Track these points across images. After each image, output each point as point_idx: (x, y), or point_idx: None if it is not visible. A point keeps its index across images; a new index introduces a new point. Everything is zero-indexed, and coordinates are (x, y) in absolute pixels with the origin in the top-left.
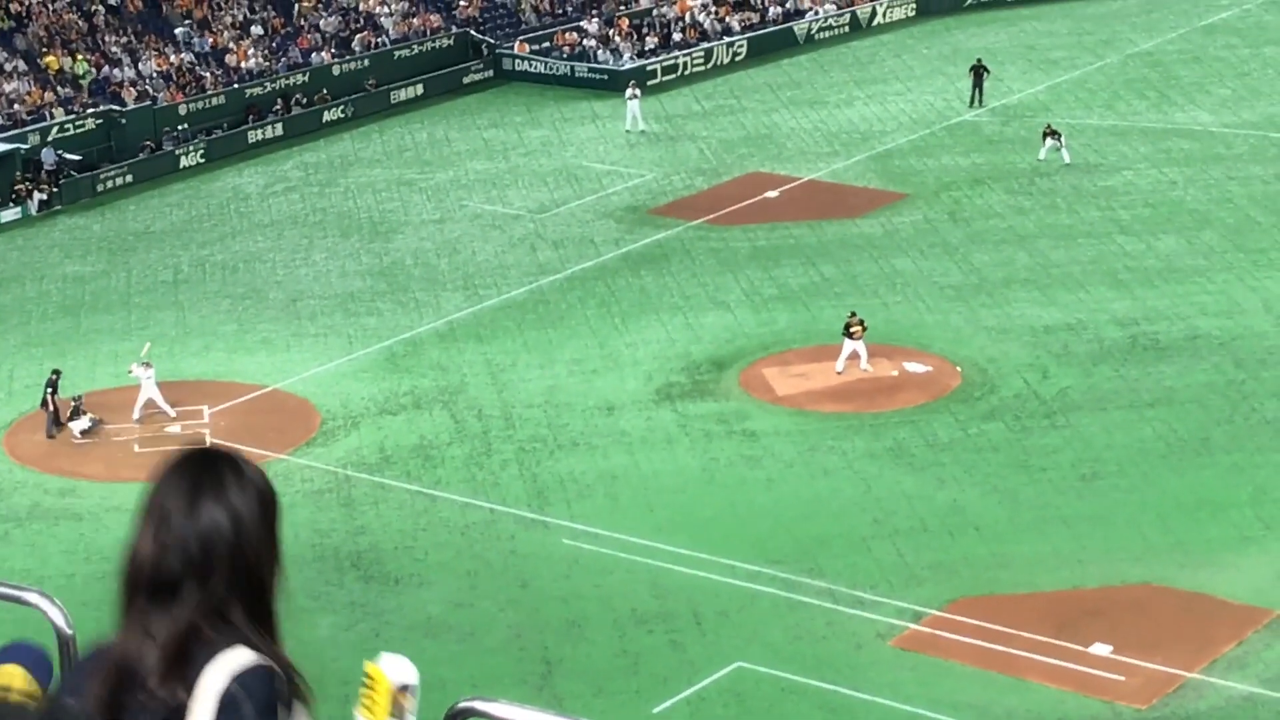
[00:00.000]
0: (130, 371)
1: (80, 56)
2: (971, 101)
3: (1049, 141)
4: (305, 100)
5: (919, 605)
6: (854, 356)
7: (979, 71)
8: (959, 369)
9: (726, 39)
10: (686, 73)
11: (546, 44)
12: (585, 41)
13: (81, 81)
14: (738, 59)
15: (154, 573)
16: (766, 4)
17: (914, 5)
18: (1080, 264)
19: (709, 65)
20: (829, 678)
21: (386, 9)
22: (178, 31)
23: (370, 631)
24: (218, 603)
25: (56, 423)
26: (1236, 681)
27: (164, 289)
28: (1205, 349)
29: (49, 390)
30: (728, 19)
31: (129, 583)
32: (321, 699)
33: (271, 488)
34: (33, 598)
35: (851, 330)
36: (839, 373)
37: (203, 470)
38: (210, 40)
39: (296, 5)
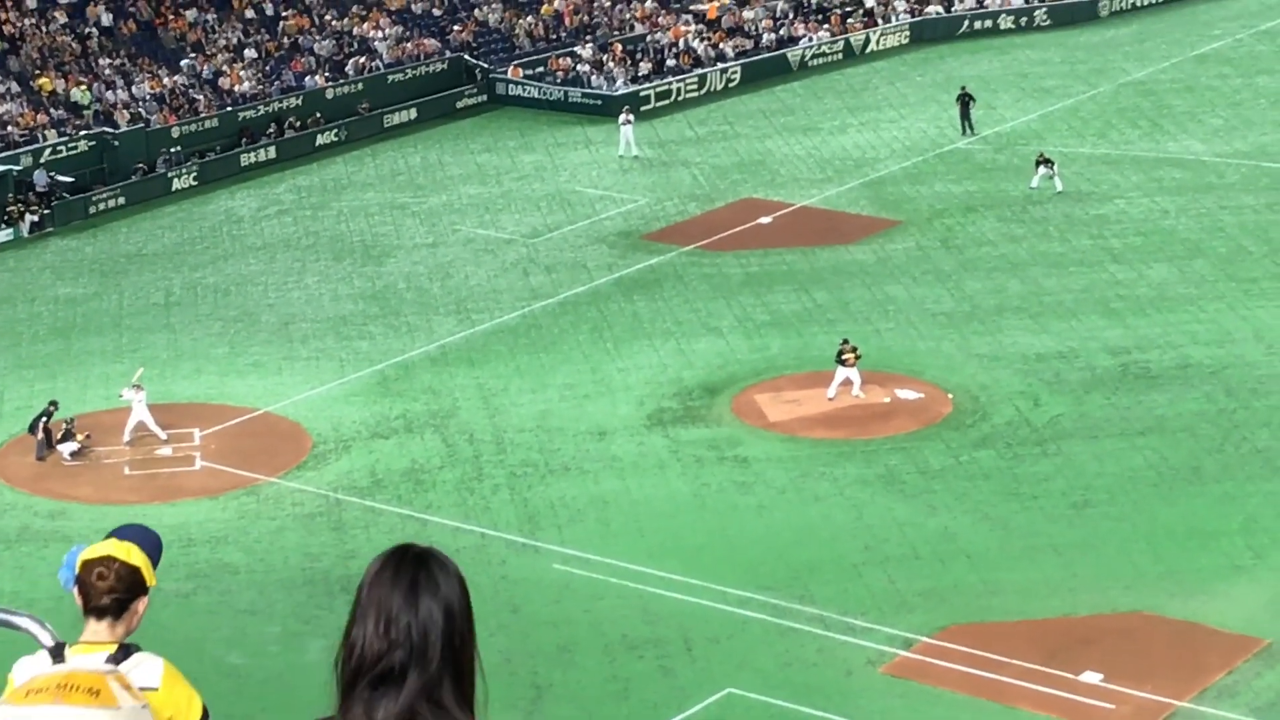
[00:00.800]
0: (121, 395)
1: (81, 84)
2: (963, 130)
3: (1041, 169)
4: (299, 123)
5: (909, 632)
6: (846, 383)
7: (965, 100)
8: (951, 396)
9: (720, 65)
10: (680, 98)
11: (540, 69)
12: (579, 67)
13: (86, 111)
14: (731, 85)
15: (380, 664)
16: (760, 31)
17: (908, 33)
18: (1072, 292)
19: (702, 91)
20: (819, 704)
21: (381, 33)
22: (183, 63)
23: None
24: (432, 686)
25: (48, 445)
26: (1227, 710)
27: (156, 311)
28: (1197, 378)
29: (44, 419)
30: (721, 45)
31: (353, 672)
32: None
33: (465, 578)
34: (23, 621)
35: (844, 357)
36: (830, 399)
37: (418, 568)
38: (200, 62)
39: (281, 24)
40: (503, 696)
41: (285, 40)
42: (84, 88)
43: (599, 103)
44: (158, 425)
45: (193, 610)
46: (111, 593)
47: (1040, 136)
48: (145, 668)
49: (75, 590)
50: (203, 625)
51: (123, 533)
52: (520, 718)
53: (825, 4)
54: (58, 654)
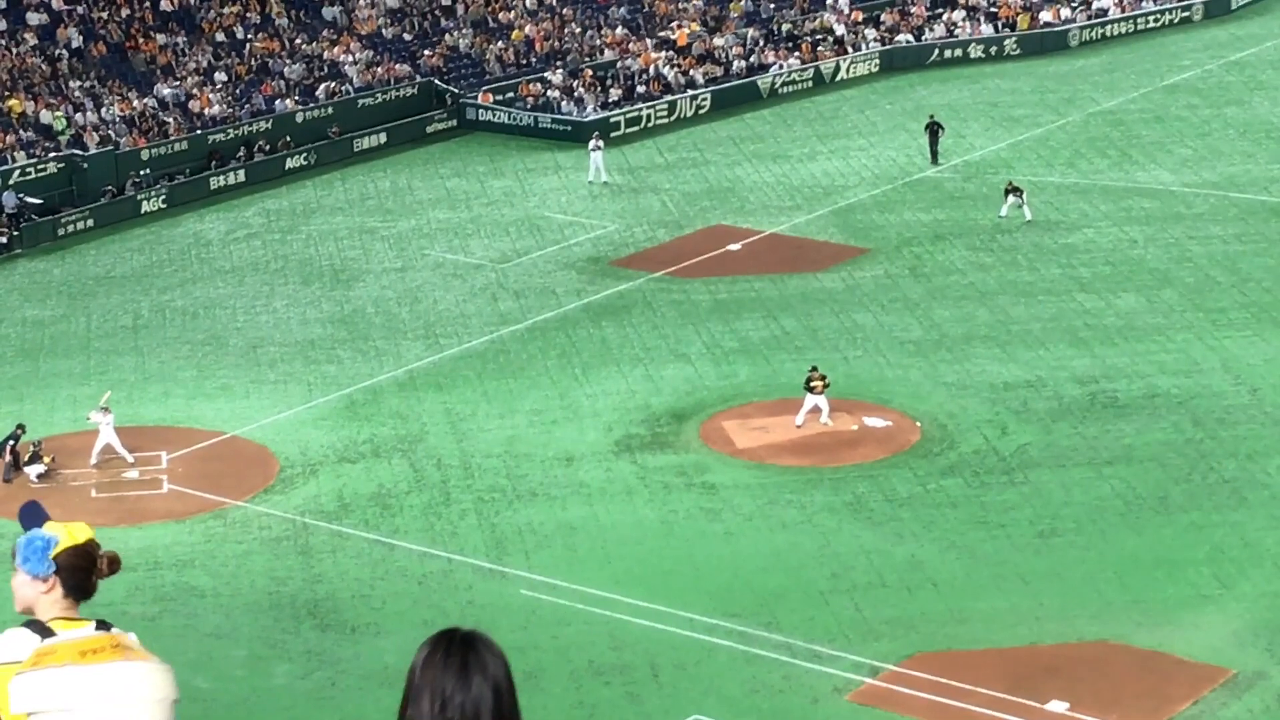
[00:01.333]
0: (89, 418)
1: (52, 105)
2: (933, 159)
3: (1010, 198)
4: (268, 147)
5: (876, 660)
6: (814, 410)
7: (934, 129)
8: (919, 424)
9: (690, 92)
10: (650, 125)
11: (510, 94)
12: (549, 92)
13: (60, 137)
14: (701, 112)
15: None
16: (731, 58)
17: (878, 61)
18: (1040, 321)
19: (672, 118)
20: None
21: (351, 57)
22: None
23: (326, 680)
24: None
25: (16, 466)
26: None
27: (124, 334)
28: (1164, 407)
29: (11, 442)
30: (691, 72)
31: None
32: None
33: (508, 659)
34: None
35: (812, 385)
36: (798, 426)
37: (466, 649)
38: (169, 86)
39: (248, 46)
40: None
41: (255, 64)
42: (58, 112)
43: (569, 128)
44: (125, 448)
45: (159, 633)
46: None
47: (1010, 165)
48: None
49: (54, 576)
50: (168, 649)
51: (33, 517)
52: None
53: (795, 32)
54: (42, 629)
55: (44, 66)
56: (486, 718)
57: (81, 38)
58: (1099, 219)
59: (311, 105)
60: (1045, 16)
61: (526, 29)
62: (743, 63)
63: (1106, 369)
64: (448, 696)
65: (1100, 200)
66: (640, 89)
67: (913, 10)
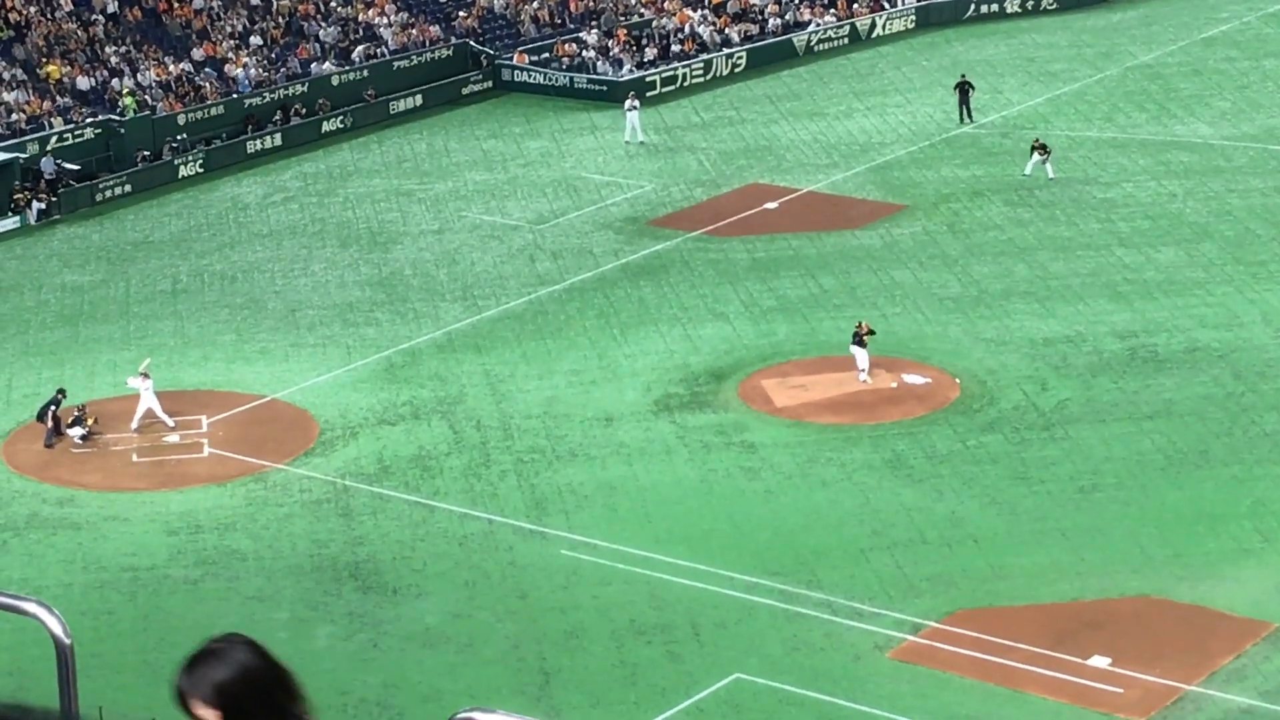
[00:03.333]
0: (129, 384)
1: (80, 68)
2: (961, 119)
3: (1035, 156)
4: (304, 110)
5: (917, 617)
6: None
7: (964, 88)
8: (958, 381)
9: (726, 50)
10: (685, 84)
11: (546, 55)
12: (584, 53)
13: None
14: (737, 70)
15: None
16: (766, 16)
17: (914, 17)
18: (1079, 276)
19: (708, 77)
20: (827, 689)
21: (386, 20)
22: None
23: (368, 642)
24: None
25: (57, 432)
26: (1235, 694)
27: (163, 299)
28: (1204, 361)
29: (52, 407)
30: (727, 30)
31: None
32: (321, 708)
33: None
34: (31, 607)
35: (863, 337)
36: (865, 382)
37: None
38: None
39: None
40: (511, 682)
41: (291, 27)
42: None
43: (605, 89)
44: (165, 413)
45: (201, 597)
46: None
47: (1047, 120)
48: None
49: None
50: (210, 612)
51: None
52: (528, 703)
53: None
54: None
55: (80, 32)
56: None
57: (117, 3)
58: (1137, 173)
59: (347, 68)
60: None
61: None
62: (778, 20)
63: (1146, 323)
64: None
65: (1139, 154)
66: (676, 48)
67: None
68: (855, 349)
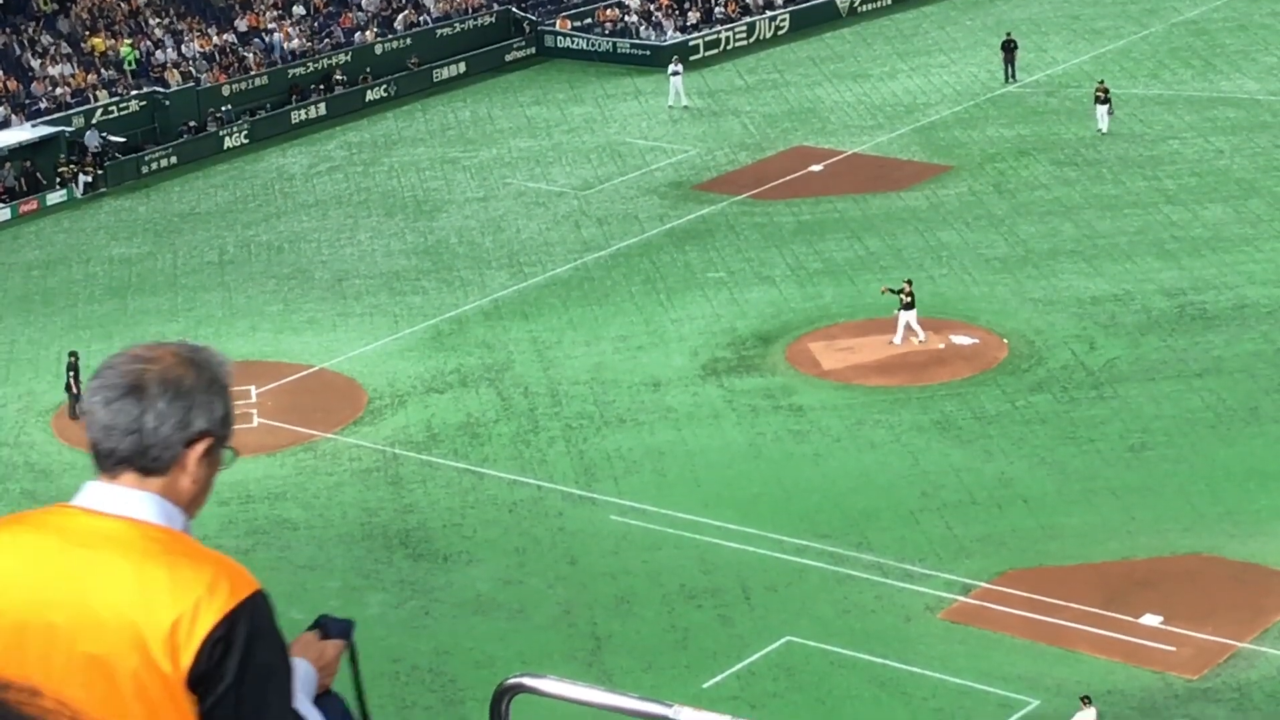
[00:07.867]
0: None
1: (125, 42)
2: (1006, 78)
3: (1099, 109)
4: (348, 80)
5: (968, 578)
6: (909, 329)
7: (1009, 47)
8: (1006, 341)
9: (769, 13)
10: (729, 48)
11: (588, 20)
12: (627, 17)
13: (126, 68)
14: (780, 33)
15: None
16: None
17: None
18: (1127, 234)
19: (751, 40)
20: (878, 651)
21: None
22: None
23: (420, 609)
24: None
25: (78, 399)
26: None
27: (210, 270)
28: (1253, 318)
29: (70, 374)
30: None
31: None
32: (373, 675)
33: None
34: None
35: (905, 300)
36: (921, 341)
37: None
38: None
39: None
40: (562, 647)
41: None
42: (128, 48)
43: (648, 53)
44: None
45: (252, 566)
46: None
47: (1092, 78)
48: None
49: None
50: (263, 581)
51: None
52: (580, 668)
53: None
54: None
55: (123, 4)
56: None
57: None
58: (1184, 130)
59: (390, 36)
60: None
61: None
62: None
63: (1194, 280)
64: None
65: (1185, 111)
66: (719, 11)
67: None
68: (902, 313)
